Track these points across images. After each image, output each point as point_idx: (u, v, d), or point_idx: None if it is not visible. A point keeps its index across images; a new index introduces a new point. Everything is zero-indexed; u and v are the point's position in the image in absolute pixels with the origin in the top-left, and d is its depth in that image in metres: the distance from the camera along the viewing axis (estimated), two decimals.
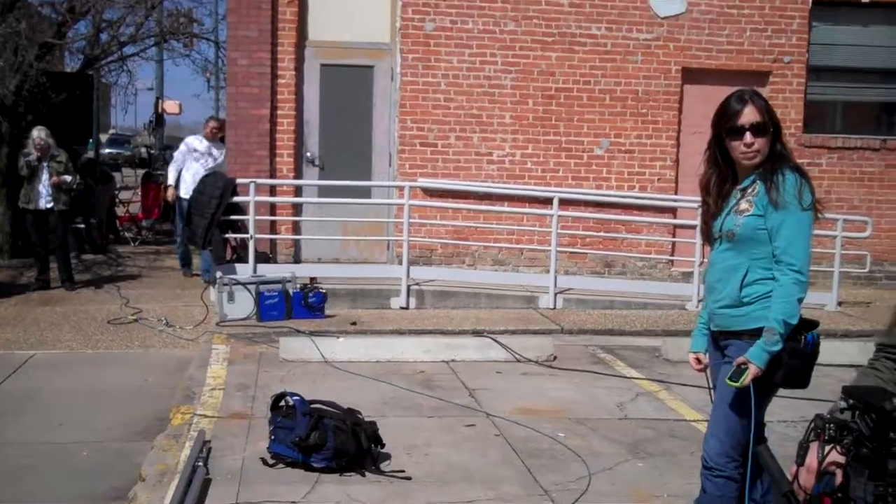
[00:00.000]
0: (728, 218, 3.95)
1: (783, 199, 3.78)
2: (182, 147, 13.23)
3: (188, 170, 12.73)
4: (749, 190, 3.90)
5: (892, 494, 2.49)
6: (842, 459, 2.65)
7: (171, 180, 13.18)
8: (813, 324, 3.87)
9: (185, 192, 12.34)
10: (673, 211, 12.62)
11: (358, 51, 12.38)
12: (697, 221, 11.08)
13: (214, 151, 12.84)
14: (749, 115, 3.88)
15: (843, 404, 2.78)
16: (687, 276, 11.96)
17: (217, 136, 12.96)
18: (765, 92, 12.57)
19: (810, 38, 12.81)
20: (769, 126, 3.88)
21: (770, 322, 3.77)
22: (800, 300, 3.79)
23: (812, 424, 2.77)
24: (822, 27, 12.95)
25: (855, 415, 2.68)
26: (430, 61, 12.20)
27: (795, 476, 2.86)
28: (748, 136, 3.88)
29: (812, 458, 2.80)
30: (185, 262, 13.29)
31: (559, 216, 11.45)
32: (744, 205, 3.90)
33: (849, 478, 2.63)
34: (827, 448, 2.69)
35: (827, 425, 2.68)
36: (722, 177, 4.07)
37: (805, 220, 3.80)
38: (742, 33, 12.61)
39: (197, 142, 12.98)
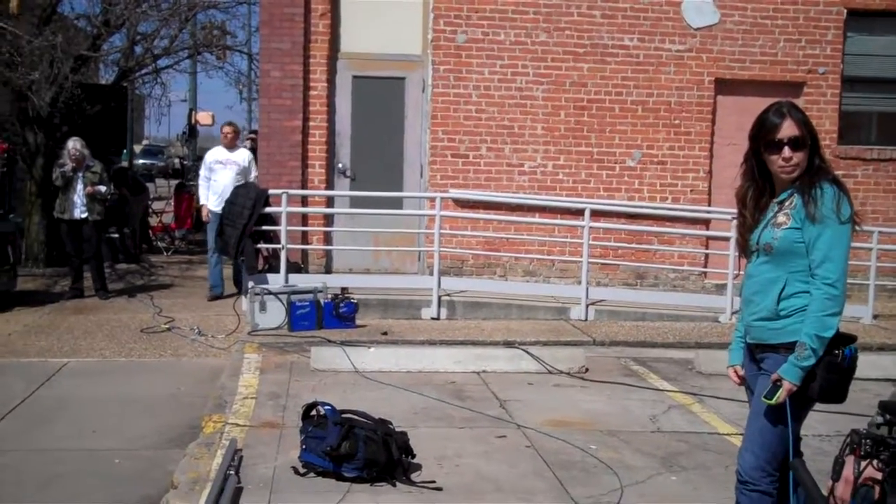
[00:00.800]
0: (766, 231, 3.91)
1: (821, 213, 3.74)
2: (203, 163, 12.89)
3: (216, 181, 12.26)
4: (787, 203, 3.86)
5: None
6: (878, 475, 2.61)
7: (202, 199, 12.66)
8: (850, 338, 3.81)
9: (216, 204, 12.05)
10: (706, 222, 12.54)
11: (390, 62, 12.41)
12: (731, 233, 11.07)
13: (237, 157, 12.34)
14: (787, 129, 3.85)
15: (879, 419, 2.74)
16: (720, 289, 11.87)
17: (235, 143, 12.59)
18: (799, 103, 12.43)
19: (845, 49, 12.71)
20: (807, 140, 3.84)
21: (802, 337, 3.73)
22: (834, 314, 3.73)
23: (848, 439, 2.73)
24: (856, 37, 12.84)
25: (892, 430, 2.64)
26: (461, 72, 12.21)
27: (831, 491, 2.82)
28: (786, 151, 3.85)
29: (848, 473, 2.75)
30: (216, 284, 12.54)
31: (591, 227, 11.41)
32: (781, 218, 3.86)
33: (885, 493, 2.58)
34: (863, 463, 2.65)
35: (863, 440, 2.64)
36: (759, 190, 4.03)
37: (843, 234, 3.76)
38: (776, 44, 12.53)
39: (216, 153, 12.55)
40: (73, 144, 12.08)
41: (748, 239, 4.03)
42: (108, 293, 12.35)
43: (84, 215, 12.07)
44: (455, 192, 12.14)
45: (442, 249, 11.33)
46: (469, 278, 12.06)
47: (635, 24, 12.34)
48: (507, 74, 12.26)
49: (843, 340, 3.78)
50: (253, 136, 16.27)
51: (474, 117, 12.24)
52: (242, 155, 12.43)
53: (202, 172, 12.69)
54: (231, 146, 12.47)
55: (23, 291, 12.37)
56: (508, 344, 9.56)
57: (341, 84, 12.33)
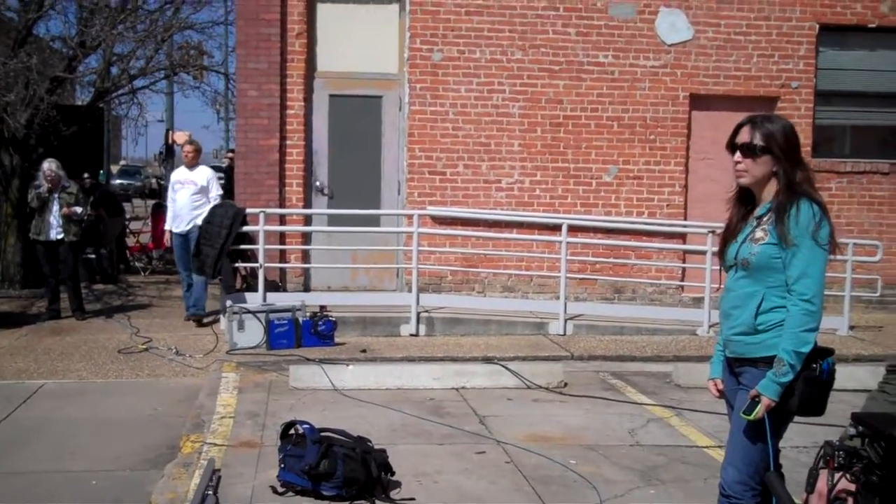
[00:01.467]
0: (744, 246, 3.92)
1: (794, 234, 3.74)
2: (169, 185, 12.58)
3: (174, 201, 11.92)
4: (765, 218, 3.88)
5: None
6: (852, 487, 2.63)
7: (167, 224, 12.19)
8: (828, 351, 3.84)
9: (176, 226, 11.82)
10: (682, 237, 12.62)
11: (366, 81, 12.46)
12: (707, 247, 11.15)
13: (196, 177, 11.80)
14: (742, 135, 3.91)
15: (852, 431, 2.76)
16: (697, 302, 11.94)
17: (196, 161, 11.99)
18: None
19: (818, 63, 12.85)
20: (761, 150, 3.86)
21: (780, 353, 3.75)
22: (811, 330, 3.75)
23: (821, 451, 2.74)
24: (829, 52, 12.99)
25: (864, 442, 2.66)
26: (438, 91, 12.26)
27: (806, 503, 2.83)
28: (737, 155, 3.92)
29: (822, 485, 2.77)
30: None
31: (568, 242, 11.46)
32: (759, 233, 3.87)
33: None
34: (837, 475, 2.66)
35: (836, 452, 2.65)
36: (742, 200, 4.06)
37: (819, 252, 3.77)
38: (749, 59, 12.65)
39: (177, 173, 12.21)
40: (49, 166, 12.03)
41: (726, 253, 4.04)
42: (85, 314, 12.28)
43: (60, 236, 12.01)
44: (433, 209, 12.17)
45: (420, 266, 11.35)
46: (447, 294, 12.08)
47: (610, 41, 12.44)
48: (484, 92, 12.32)
49: (820, 353, 3.80)
50: (231, 153, 16.17)
51: (451, 135, 12.29)
52: (202, 174, 11.86)
53: (168, 194, 12.47)
54: (192, 164, 11.96)
55: None
56: (487, 360, 9.57)
57: (318, 103, 12.36)
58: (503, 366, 9.04)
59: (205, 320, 11.67)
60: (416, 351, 10.10)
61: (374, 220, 12.25)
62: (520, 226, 12.33)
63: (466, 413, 7.77)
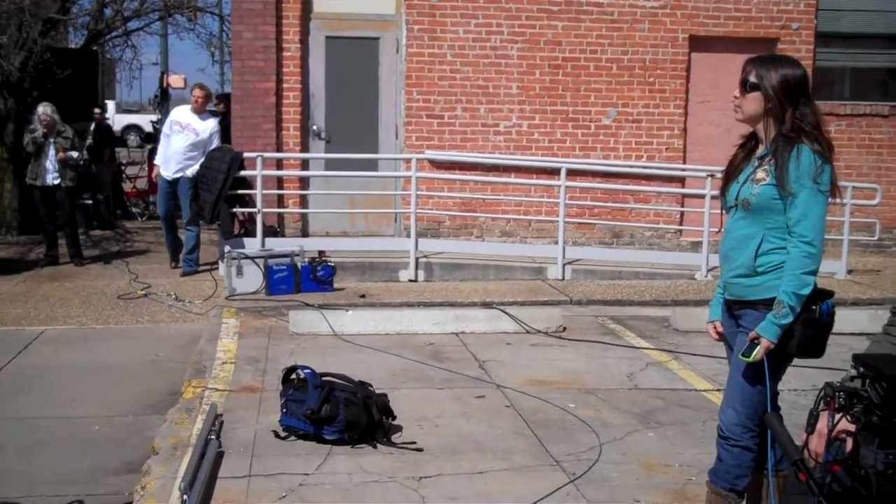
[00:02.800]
0: (744, 186, 3.90)
1: (794, 177, 3.72)
2: (167, 119, 12.08)
3: (169, 146, 11.54)
4: (766, 159, 3.85)
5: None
6: (852, 428, 2.64)
7: (157, 158, 12.05)
8: (827, 293, 3.84)
9: (168, 169, 11.55)
10: (681, 180, 12.58)
11: (363, 22, 12.32)
12: (706, 191, 11.13)
13: (199, 126, 11.42)
14: (743, 71, 3.92)
15: (853, 372, 2.77)
16: (696, 246, 11.95)
17: (204, 108, 11.67)
18: None
19: (818, 4, 12.71)
20: (751, 87, 3.86)
21: (780, 295, 3.75)
22: (812, 272, 3.75)
23: (822, 393, 2.75)
24: None
25: (865, 383, 2.67)
26: (435, 32, 12.14)
27: (805, 444, 2.85)
28: (736, 90, 3.94)
29: (822, 426, 2.78)
30: (175, 253, 11.95)
31: (567, 187, 11.42)
32: (760, 174, 3.84)
33: (859, 446, 2.61)
34: (837, 416, 2.68)
35: (837, 394, 2.66)
36: (748, 140, 4.05)
37: (819, 196, 3.75)
38: (749, 0, 12.51)
39: (180, 113, 11.69)
40: (44, 109, 11.93)
41: (727, 193, 4.03)
42: (84, 260, 12.27)
43: (57, 181, 11.95)
44: (430, 153, 12.11)
45: (418, 211, 11.32)
46: (446, 240, 12.08)
47: None
48: (482, 34, 12.19)
49: (820, 296, 3.80)
50: (219, 100, 15.90)
51: (449, 77, 12.19)
52: (206, 125, 11.46)
53: (164, 129, 11.89)
54: (200, 111, 11.56)
55: None
56: (486, 304, 9.59)
57: (314, 45, 12.23)
58: (502, 310, 9.06)
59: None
60: (415, 296, 10.11)
61: (372, 165, 12.19)
62: (518, 170, 12.28)
63: (466, 358, 7.80)
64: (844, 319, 8.03)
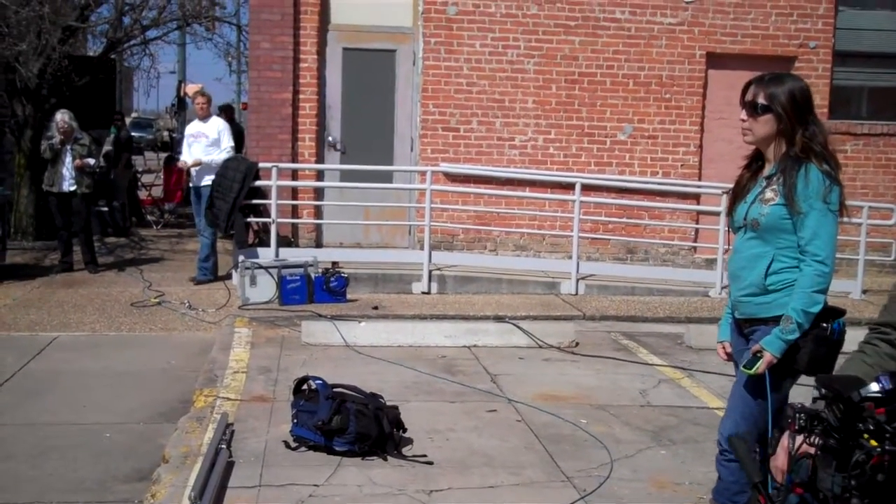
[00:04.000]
0: (753, 207, 3.89)
1: (803, 198, 3.72)
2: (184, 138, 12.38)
3: (190, 156, 11.77)
4: (775, 178, 3.83)
5: (858, 487, 2.45)
6: (811, 450, 2.61)
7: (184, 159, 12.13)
8: (839, 312, 3.83)
9: (196, 180, 11.74)
10: (696, 197, 12.55)
11: (380, 35, 12.35)
12: (721, 208, 11.10)
13: (207, 129, 11.70)
14: (749, 94, 3.88)
15: (815, 393, 2.75)
16: (710, 263, 11.90)
17: (208, 112, 11.95)
18: None
19: (836, 23, 12.69)
20: (762, 109, 3.83)
21: (789, 311, 3.74)
22: (822, 291, 3.75)
23: (785, 413, 2.72)
24: (848, 11, 12.82)
25: (826, 405, 2.64)
26: (452, 45, 12.16)
27: (769, 465, 2.83)
28: (742, 113, 3.91)
29: (783, 448, 2.76)
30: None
31: (581, 202, 11.41)
32: (769, 194, 3.84)
33: (816, 469, 2.59)
34: (798, 438, 2.65)
35: (798, 415, 2.63)
36: (753, 159, 4.04)
37: (830, 215, 3.75)
38: (767, 18, 12.50)
39: (190, 126, 12.11)
40: (61, 116, 12.01)
41: (734, 213, 4.02)
42: (98, 267, 12.31)
43: (73, 188, 12.01)
44: (445, 166, 12.12)
45: (432, 224, 11.32)
46: (459, 252, 12.07)
47: None
48: (499, 47, 12.21)
49: (832, 314, 3.80)
50: (221, 110, 15.96)
51: (465, 90, 12.21)
52: (213, 126, 11.76)
53: (183, 149, 12.26)
54: (204, 117, 11.86)
55: (12, 265, 12.33)
56: (499, 318, 9.58)
57: (331, 56, 12.26)
58: (515, 324, 9.05)
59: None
60: (428, 309, 10.11)
61: (387, 177, 12.20)
62: (533, 184, 12.27)
63: (478, 371, 7.79)
64: (857, 339, 8.00)
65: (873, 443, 2.44)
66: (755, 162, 4.02)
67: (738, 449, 3.06)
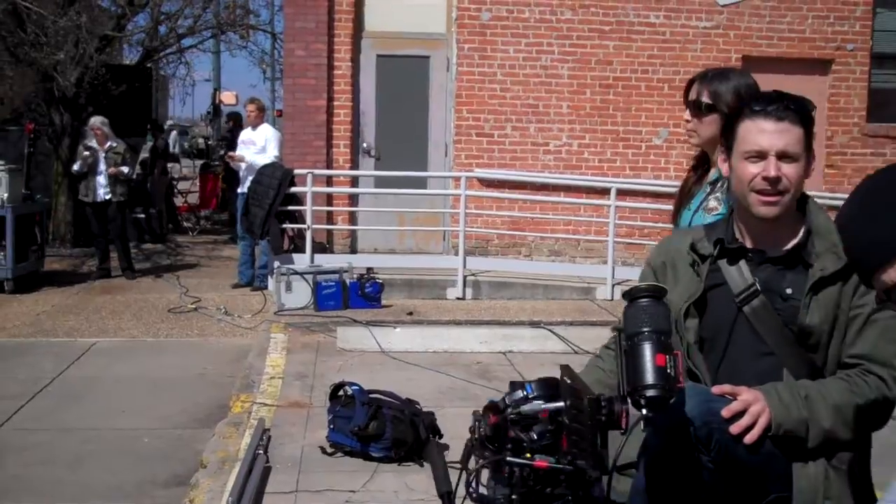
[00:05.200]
0: (696, 215, 3.56)
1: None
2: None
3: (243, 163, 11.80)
4: (718, 185, 3.52)
5: (512, 497, 2.37)
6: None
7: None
8: None
9: (242, 186, 11.80)
10: None
11: (414, 41, 12.36)
12: None
13: (256, 137, 11.78)
14: (693, 92, 3.56)
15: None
16: None
17: (259, 120, 12.00)
18: (827, 81, 12.37)
19: (874, 25, 12.54)
20: (707, 109, 3.48)
21: None
22: None
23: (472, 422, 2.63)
24: (886, 13, 12.67)
25: (480, 424, 2.53)
26: (486, 51, 12.15)
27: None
28: (686, 114, 3.60)
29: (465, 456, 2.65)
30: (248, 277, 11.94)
31: (617, 206, 11.35)
32: (712, 202, 3.51)
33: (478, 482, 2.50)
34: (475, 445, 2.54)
35: (477, 423, 2.54)
36: (700, 161, 3.73)
37: None
38: (804, 21, 12.38)
39: (242, 134, 12.28)
40: (95, 121, 12.17)
41: (678, 220, 3.72)
42: (135, 273, 12.41)
43: (108, 196, 12.10)
44: (480, 172, 12.10)
45: (467, 229, 11.30)
46: (494, 258, 12.04)
47: (661, 1, 12.23)
48: (532, 52, 12.18)
49: None
50: (229, 118, 16.06)
51: (499, 96, 12.19)
52: (262, 134, 11.82)
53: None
54: (255, 124, 11.98)
55: (50, 272, 12.47)
56: (534, 324, 9.53)
57: (365, 63, 12.29)
58: (550, 330, 9.01)
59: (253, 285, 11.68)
60: (463, 314, 10.09)
61: (422, 183, 12.20)
62: (567, 189, 12.23)
63: (513, 377, 7.75)
64: None
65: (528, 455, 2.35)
66: (702, 165, 3.70)
67: (433, 455, 2.92)
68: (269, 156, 11.58)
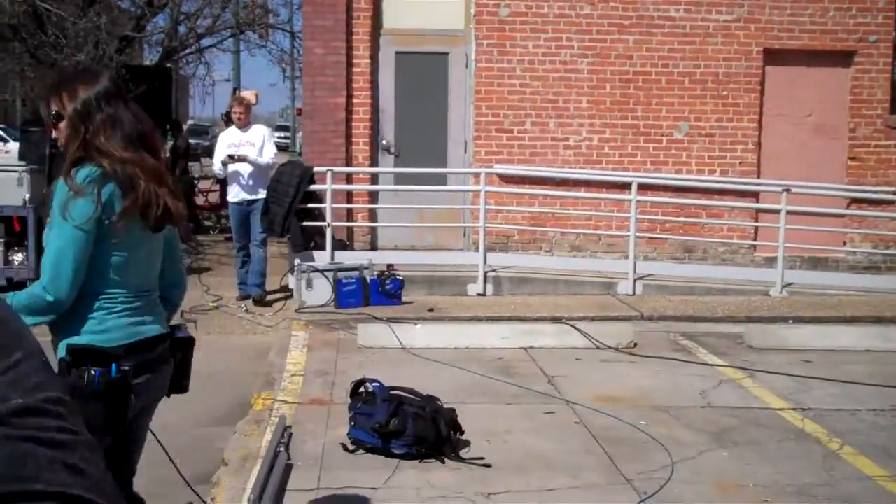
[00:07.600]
0: None
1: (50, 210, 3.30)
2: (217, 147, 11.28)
3: (234, 170, 10.74)
4: None
5: None
6: None
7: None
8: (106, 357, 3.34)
9: (235, 195, 10.88)
10: (755, 195, 12.35)
11: (432, 38, 12.35)
12: (781, 206, 10.92)
13: (252, 137, 10.73)
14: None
15: None
16: (770, 262, 11.70)
17: (247, 122, 10.92)
18: (850, 73, 12.26)
19: None
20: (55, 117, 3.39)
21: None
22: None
23: None
24: None
25: None
26: (505, 47, 12.11)
27: None
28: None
29: None
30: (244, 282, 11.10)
31: (638, 201, 11.30)
32: None
33: None
34: None
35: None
36: None
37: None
38: (825, 13, 12.27)
39: (228, 136, 11.01)
40: None
41: None
42: None
43: None
44: (500, 168, 12.07)
45: (487, 225, 11.28)
46: (515, 254, 12.01)
47: None
48: (552, 48, 12.14)
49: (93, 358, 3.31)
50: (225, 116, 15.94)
51: (518, 92, 12.15)
52: (258, 134, 10.83)
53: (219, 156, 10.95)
54: (244, 126, 10.87)
55: None
56: (555, 319, 9.50)
57: (384, 60, 12.28)
58: (572, 325, 8.97)
59: (267, 298, 10.83)
60: (484, 310, 10.07)
61: (441, 179, 12.19)
62: (588, 184, 12.18)
63: (535, 373, 7.73)
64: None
65: None
66: None
67: None
68: (269, 156, 10.76)
